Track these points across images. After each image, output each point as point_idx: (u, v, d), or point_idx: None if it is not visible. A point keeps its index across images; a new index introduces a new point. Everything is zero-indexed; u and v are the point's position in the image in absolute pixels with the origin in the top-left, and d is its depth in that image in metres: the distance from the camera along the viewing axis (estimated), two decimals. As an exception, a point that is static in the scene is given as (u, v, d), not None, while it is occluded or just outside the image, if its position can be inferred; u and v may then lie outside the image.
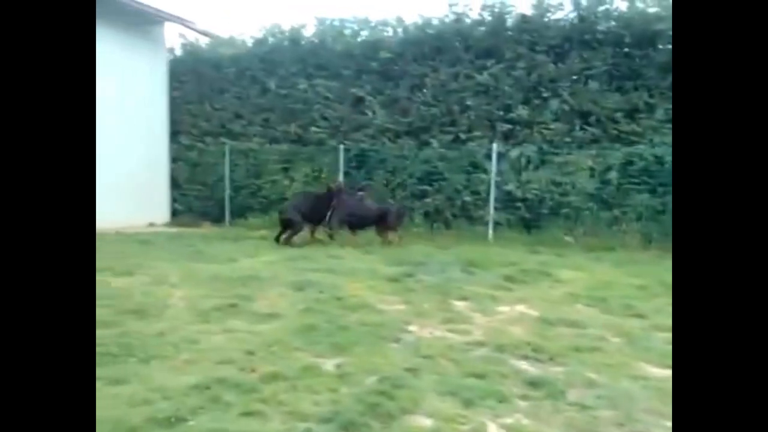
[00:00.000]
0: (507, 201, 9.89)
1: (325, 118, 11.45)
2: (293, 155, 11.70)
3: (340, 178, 10.72)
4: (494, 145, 9.75)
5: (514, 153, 9.84)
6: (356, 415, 2.69)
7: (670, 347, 3.79)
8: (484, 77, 10.09)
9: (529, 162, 9.84)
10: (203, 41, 13.11)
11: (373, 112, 10.96)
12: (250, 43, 12.50)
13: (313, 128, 11.48)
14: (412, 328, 4.32)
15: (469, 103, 10.20)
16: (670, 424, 2.70)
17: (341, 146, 10.91)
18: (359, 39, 11.45)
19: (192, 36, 13.06)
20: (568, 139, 9.60)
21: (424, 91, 10.63)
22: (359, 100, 11.14)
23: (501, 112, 10.06)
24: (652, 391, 3.11)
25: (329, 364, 3.47)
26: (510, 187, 9.84)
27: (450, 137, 10.37)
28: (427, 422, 2.72)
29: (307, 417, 2.73)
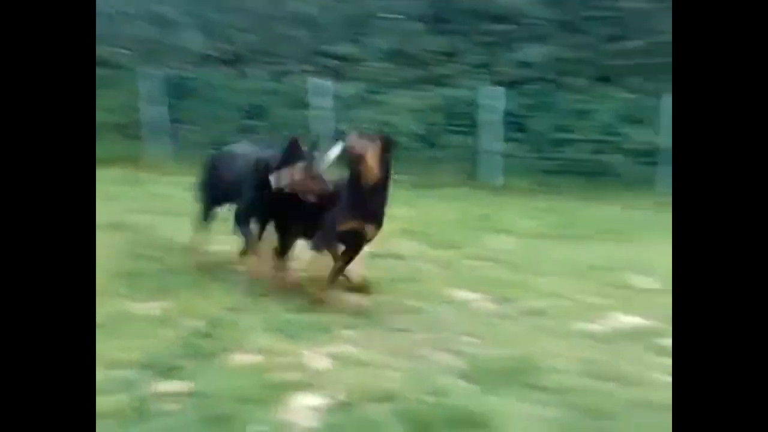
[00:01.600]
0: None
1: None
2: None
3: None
4: (315, 81, 9.52)
5: (342, 90, 9.78)
6: (175, 359, 2.60)
7: (476, 273, 4.21)
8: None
9: (361, 100, 9.84)
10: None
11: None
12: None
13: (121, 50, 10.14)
14: (240, 268, 4.19)
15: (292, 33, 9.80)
16: (475, 340, 3.03)
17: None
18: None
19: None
20: (393, 79, 9.80)
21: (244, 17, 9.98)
22: (168, 22, 10.09)
23: (326, 47, 9.85)
24: (463, 313, 3.46)
25: (154, 309, 3.28)
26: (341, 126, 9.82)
27: (275, 69, 9.93)
28: (249, 357, 2.72)
29: (123, 364, 2.56)
